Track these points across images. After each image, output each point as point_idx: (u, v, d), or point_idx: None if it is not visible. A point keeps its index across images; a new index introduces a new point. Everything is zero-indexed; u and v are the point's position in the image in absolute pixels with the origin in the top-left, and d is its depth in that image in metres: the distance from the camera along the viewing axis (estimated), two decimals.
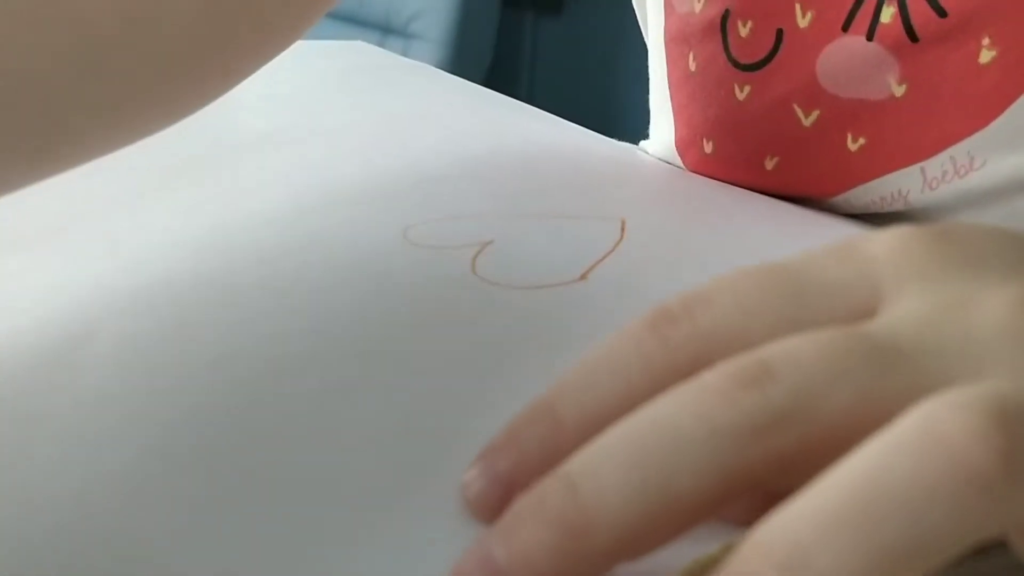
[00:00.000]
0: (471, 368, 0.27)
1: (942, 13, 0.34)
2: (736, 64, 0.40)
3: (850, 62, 0.37)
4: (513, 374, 0.27)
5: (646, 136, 0.50)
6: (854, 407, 0.16)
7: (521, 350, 0.28)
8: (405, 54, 1.77)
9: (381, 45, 1.79)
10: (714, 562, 0.17)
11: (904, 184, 0.38)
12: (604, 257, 0.34)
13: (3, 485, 0.22)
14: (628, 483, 0.16)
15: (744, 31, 0.40)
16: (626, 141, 0.50)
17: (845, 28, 0.37)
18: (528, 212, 0.37)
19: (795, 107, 0.39)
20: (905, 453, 0.15)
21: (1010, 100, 0.35)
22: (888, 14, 0.36)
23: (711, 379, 0.17)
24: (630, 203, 0.39)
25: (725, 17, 0.40)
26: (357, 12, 1.81)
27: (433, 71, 0.55)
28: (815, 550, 0.14)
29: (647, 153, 0.49)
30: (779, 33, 0.39)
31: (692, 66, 0.43)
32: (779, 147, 0.41)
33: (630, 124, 0.63)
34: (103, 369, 0.26)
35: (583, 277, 0.32)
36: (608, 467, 0.16)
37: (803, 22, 0.38)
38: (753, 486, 0.16)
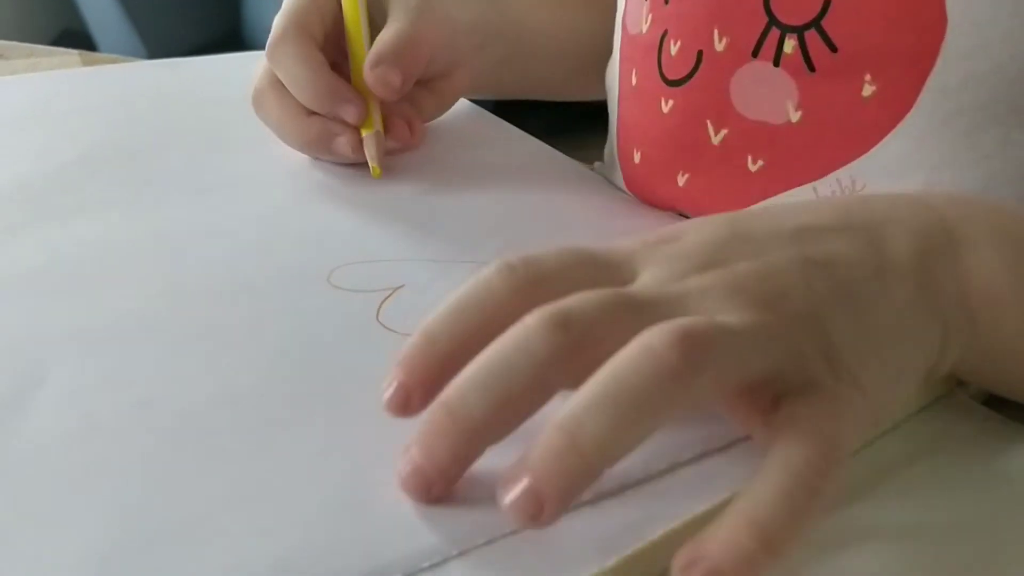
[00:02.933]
0: (355, 404, 0.32)
1: (833, 48, 0.40)
2: (665, 80, 0.47)
3: (758, 84, 0.43)
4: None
5: None
6: (617, 336, 0.26)
7: None
8: None
9: None
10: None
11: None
12: None
13: None
14: (484, 395, 0.26)
15: (674, 50, 0.46)
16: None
17: (755, 54, 0.43)
18: (444, 257, 0.43)
19: (708, 123, 0.45)
20: (632, 358, 0.25)
21: (886, 132, 0.40)
22: (790, 45, 0.42)
23: (531, 322, 0.27)
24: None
25: (663, 37, 0.46)
26: None
27: None
28: (584, 416, 0.24)
29: (594, 169, 0.55)
30: (699, 54, 0.45)
31: (634, 80, 0.49)
32: (690, 164, 0.47)
33: None
34: (50, 413, 0.32)
35: None
36: (470, 386, 0.27)
37: (719, 46, 0.44)
38: (562, 388, 0.26)
